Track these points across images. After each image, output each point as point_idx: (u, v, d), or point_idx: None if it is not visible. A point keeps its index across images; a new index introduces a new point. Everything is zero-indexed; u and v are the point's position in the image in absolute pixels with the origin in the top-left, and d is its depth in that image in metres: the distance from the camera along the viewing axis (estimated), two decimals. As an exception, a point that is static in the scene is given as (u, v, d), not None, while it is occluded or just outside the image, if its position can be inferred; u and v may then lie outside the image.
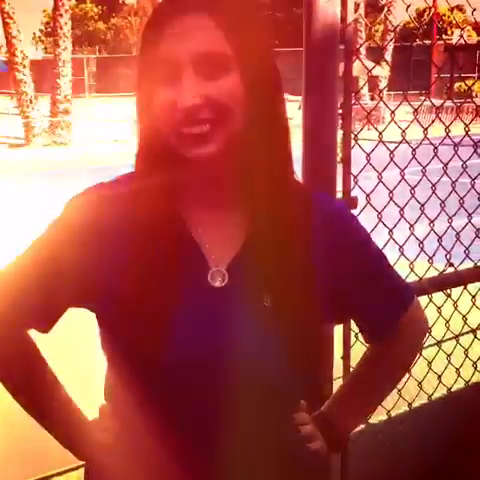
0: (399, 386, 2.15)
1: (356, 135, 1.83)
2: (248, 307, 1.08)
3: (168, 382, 1.06)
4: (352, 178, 1.83)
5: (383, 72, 23.30)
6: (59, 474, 3.05)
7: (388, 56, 23.14)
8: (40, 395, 1.24)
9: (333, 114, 1.72)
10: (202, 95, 1.01)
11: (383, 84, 23.05)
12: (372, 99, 25.15)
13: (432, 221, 2.16)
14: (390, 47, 23.59)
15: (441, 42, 25.13)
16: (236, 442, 1.09)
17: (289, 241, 1.09)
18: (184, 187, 1.11)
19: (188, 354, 1.04)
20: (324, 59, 1.69)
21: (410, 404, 2.31)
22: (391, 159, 1.93)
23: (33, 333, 1.21)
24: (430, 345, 2.32)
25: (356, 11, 1.75)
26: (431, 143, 2.08)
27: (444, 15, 37.59)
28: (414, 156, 1.99)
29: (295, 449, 1.18)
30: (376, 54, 23.51)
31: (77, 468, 2.89)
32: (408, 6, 1.87)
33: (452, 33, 30.39)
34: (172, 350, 1.04)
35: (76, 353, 4.37)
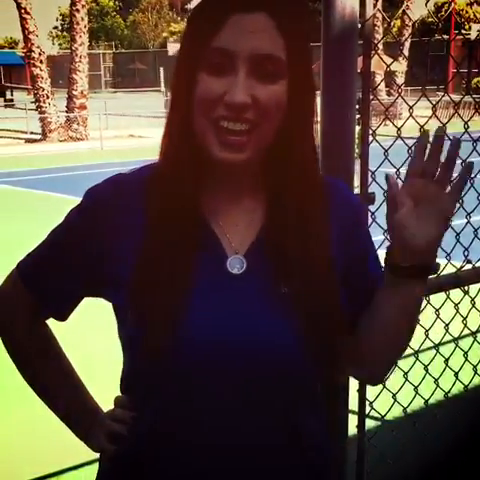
0: (415, 383, 2.16)
1: (374, 131, 1.82)
2: (266, 294, 1.08)
3: (184, 370, 1.05)
4: (369, 174, 1.82)
5: (400, 67, 23.18)
6: (73, 468, 3.07)
7: (405, 51, 23.01)
8: (56, 384, 1.27)
9: (351, 110, 1.71)
10: (252, 95, 1.01)
11: (400, 79, 22.93)
12: (388, 94, 25.04)
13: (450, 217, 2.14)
14: (407, 42, 23.45)
15: (459, 37, 24.92)
16: (253, 429, 1.09)
17: (307, 227, 1.10)
18: (204, 179, 1.11)
19: (205, 342, 1.04)
20: (342, 55, 1.67)
21: (426, 401, 2.30)
22: (409, 155, 1.91)
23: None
24: (447, 342, 2.32)
25: (375, 6, 1.74)
26: (449, 139, 2.06)
27: (462, 10, 37.31)
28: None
29: (309, 441, 1.16)
30: (393, 49, 23.38)
31: (91, 463, 2.92)
32: (428, 1, 1.86)
33: (470, 28, 30.12)
34: (189, 338, 1.03)
35: (89, 344, 4.39)
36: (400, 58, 19.97)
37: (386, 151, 1.90)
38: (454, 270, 2.09)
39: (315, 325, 1.06)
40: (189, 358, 1.04)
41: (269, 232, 1.10)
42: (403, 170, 1.94)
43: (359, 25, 1.68)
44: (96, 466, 1.24)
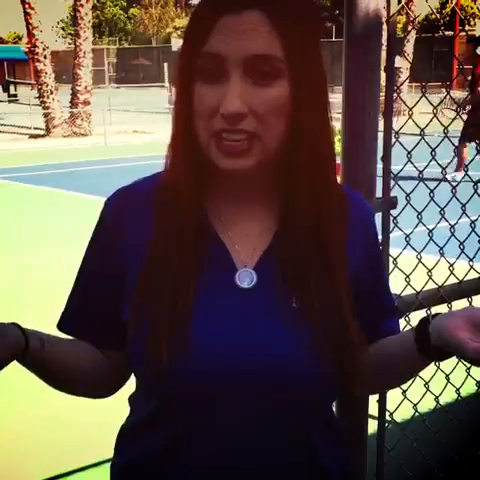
0: (436, 392, 2.09)
1: (397, 132, 1.75)
2: (276, 309, 1.03)
3: (188, 388, 1.00)
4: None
5: (404, 63, 23.09)
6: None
7: (410, 47, 22.94)
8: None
9: (374, 111, 1.64)
10: (248, 102, 0.95)
11: (404, 75, 22.83)
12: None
13: (473, 221, 2.08)
14: (412, 38, 23.37)
15: (463, 33, 24.86)
16: (262, 444, 1.04)
17: (322, 237, 1.04)
18: (213, 186, 1.07)
19: (212, 359, 0.99)
20: (366, 52, 1.61)
21: (447, 411, 2.24)
22: (432, 157, 1.85)
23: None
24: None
25: (400, 1, 1.68)
26: None
27: (467, 6, 37.15)
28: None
29: (322, 453, 1.11)
30: (398, 45, 23.32)
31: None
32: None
33: (475, 24, 30.03)
34: (194, 355, 0.98)
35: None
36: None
37: (409, 152, 1.83)
38: (477, 276, 2.02)
39: (329, 340, 1.01)
40: (193, 375, 0.99)
41: (281, 243, 1.05)
42: (427, 170, 1.88)
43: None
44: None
